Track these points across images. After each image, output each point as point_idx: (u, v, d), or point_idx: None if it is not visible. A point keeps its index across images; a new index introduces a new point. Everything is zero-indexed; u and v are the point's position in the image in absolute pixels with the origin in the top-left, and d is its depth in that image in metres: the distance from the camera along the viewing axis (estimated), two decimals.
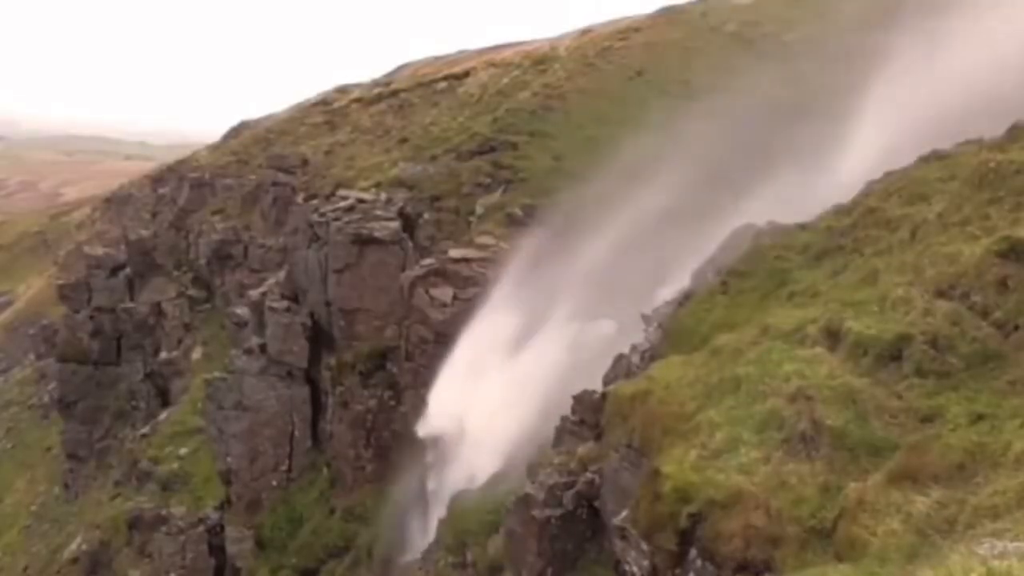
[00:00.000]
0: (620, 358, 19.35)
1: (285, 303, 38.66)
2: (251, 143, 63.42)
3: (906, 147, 18.50)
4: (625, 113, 39.64)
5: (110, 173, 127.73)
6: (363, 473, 34.31)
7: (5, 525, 52.93)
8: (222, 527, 38.30)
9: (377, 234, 35.17)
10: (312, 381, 38.30)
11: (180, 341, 53.35)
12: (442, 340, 30.18)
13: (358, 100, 60.38)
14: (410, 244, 35.61)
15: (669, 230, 24.15)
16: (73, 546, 44.27)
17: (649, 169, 27.57)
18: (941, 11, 22.94)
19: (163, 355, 52.89)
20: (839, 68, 29.65)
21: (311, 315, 37.78)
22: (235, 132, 74.69)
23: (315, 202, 41.18)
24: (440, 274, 31.52)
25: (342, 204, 37.36)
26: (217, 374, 39.40)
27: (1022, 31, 20.35)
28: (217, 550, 38.14)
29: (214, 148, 72.50)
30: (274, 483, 37.80)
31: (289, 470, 38.00)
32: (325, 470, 36.95)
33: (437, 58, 70.85)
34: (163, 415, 48.88)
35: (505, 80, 49.83)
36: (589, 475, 15.68)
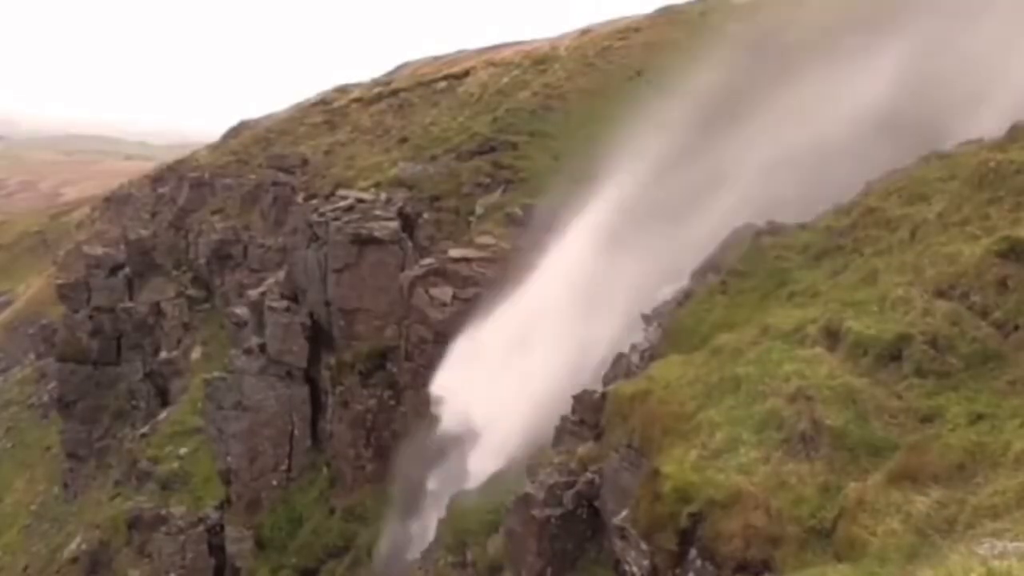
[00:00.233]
0: (620, 358, 19.37)
1: (285, 303, 38.65)
2: (251, 143, 63.39)
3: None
4: (626, 113, 39.62)
5: (110, 173, 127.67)
6: (363, 473, 34.32)
7: (5, 525, 52.94)
8: (222, 527, 38.29)
9: (377, 234, 35.17)
10: (312, 381, 38.30)
11: (179, 341, 53.36)
12: (442, 340, 30.18)
13: (358, 100, 60.36)
14: (410, 244, 35.61)
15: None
16: (73, 546, 44.27)
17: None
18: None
19: (162, 355, 52.89)
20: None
21: (311, 315, 37.78)
22: (235, 132, 74.63)
23: (315, 202, 41.17)
24: (440, 274, 31.51)
25: (342, 204, 37.35)
26: (217, 374, 39.38)
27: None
28: (217, 550, 38.14)
29: (214, 148, 72.47)
30: (274, 483, 37.79)
31: (289, 470, 37.99)
32: (325, 470, 36.95)
33: (437, 58, 70.76)
34: (163, 415, 48.88)
35: (505, 80, 49.83)
36: (589, 475, 15.68)
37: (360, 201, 37.39)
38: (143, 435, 47.51)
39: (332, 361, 36.57)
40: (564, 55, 50.43)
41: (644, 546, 12.10)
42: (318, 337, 37.83)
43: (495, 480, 23.28)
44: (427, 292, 31.17)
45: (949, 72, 19.09)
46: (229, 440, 37.73)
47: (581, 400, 18.08)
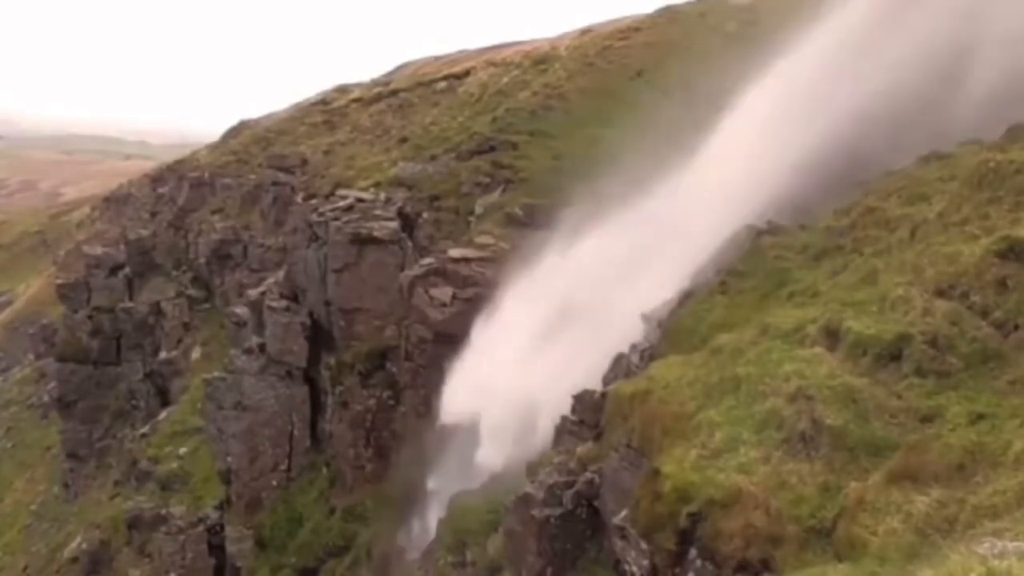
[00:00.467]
0: (620, 358, 19.37)
1: (284, 303, 38.64)
2: (251, 143, 63.40)
3: None
4: (625, 113, 39.61)
5: (110, 173, 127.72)
6: (363, 473, 34.31)
7: (5, 525, 52.93)
8: (222, 527, 38.30)
9: (376, 234, 35.16)
10: (311, 381, 38.29)
11: (179, 341, 53.36)
12: (441, 340, 30.17)
13: (358, 100, 60.39)
14: (409, 244, 35.59)
15: None
16: (73, 545, 44.28)
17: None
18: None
19: (162, 355, 52.90)
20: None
21: (310, 315, 37.77)
22: (235, 132, 74.64)
23: (314, 202, 41.16)
24: (439, 274, 31.47)
25: (341, 204, 37.34)
26: (216, 374, 39.37)
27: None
28: (217, 550, 38.15)
29: (214, 148, 72.50)
30: (274, 483, 37.79)
31: (289, 470, 37.99)
32: (325, 470, 36.94)
33: (437, 58, 70.75)
34: (163, 415, 48.88)
35: (505, 80, 49.82)
36: (589, 475, 15.67)
37: (360, 201, 37.38)
38: (143, 435, 47.53)
39: (332, 361, 36.55)
40: (564, 55, 50.42)
41: (644, 546, 12.10)
42: (318, 337, 37.81)
43: (495, 480, 23.29)
44: (427, 292, 31.13)
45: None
46: (229, 440, 37.73)
47: (581, 400, 18.08)
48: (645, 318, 20.02)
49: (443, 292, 31.01)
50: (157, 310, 54.81)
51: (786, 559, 9.94)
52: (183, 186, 63.44)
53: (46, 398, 61.02)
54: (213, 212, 57.17)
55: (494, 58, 56.82)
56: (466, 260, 31.85)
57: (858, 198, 17.35)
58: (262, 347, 38.38)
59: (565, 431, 18.52)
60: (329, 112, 60.80)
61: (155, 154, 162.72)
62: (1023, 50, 16.23)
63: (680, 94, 33.10)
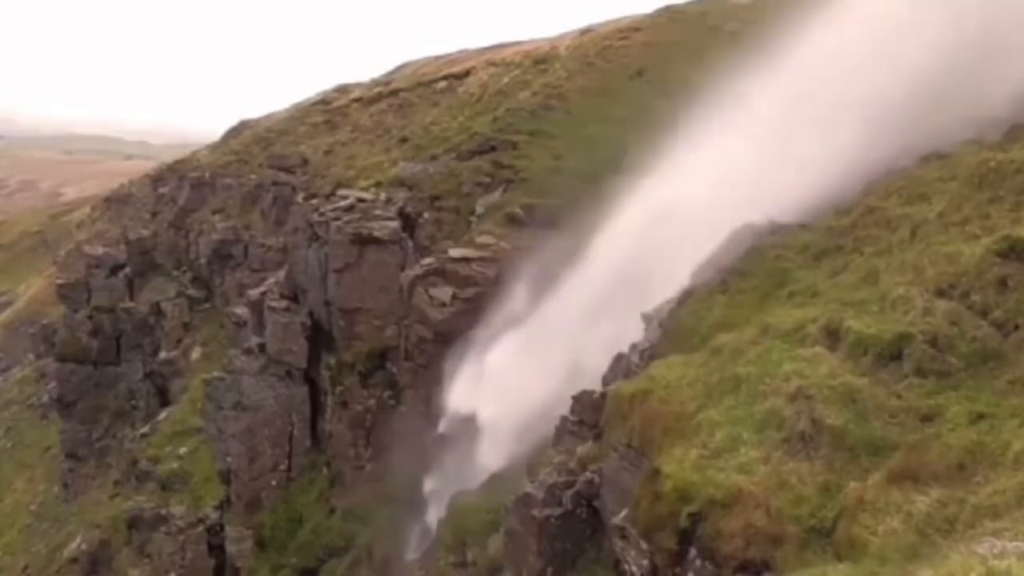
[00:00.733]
0: (619, 357, 19.33)
1: (285, 303, 38.65)
2: (251, 143, 63.43)
3: None
4: (625, 112, 39.61)
5: (110, 173, 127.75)
6: (363, 473, 34.30)
7: (5, 525, 52.92)
8: (222, 527, 38.31)
9: (377, 234, 35.15)
10: (311, 381, 38.29)
11: (179, 341, 53.37)
12: (441, 340, 30.16)
13: (358, 100, 60.40)
14: (410, 244, 35.58)
15: None
16: (73, 545, 44.27)
17: None
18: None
19: (162, 355, 52.90)
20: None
21: (311, 315, 37.77)
22: (235, 132, 74.72)
23: (315, 201, 41.17)
24: (440, 274, 31.46)
25: (342, 204, 37.34)
26: (216, 374, 39.39)
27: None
28: (217, 550, 38.16)
29: (214, 148, 72.56)
30: (274, 483, 37.79)
31: (289, 470, 37.99)
32: (325, 470, 36.94)
33: (437, 58, 70.78)
34: (162, 415, 48.89)
35: (505, 79, 49.83)
36: (589, 475, 15.65)
37: (360, 201, 37.39)
38: (143, 435, 47.52)
39: (332, 361, 36.55)
40: (564, 55, 50.44)
41: (644, 546, 12.08)
42: (318, 337, 37.82)
43: (495, 480, 23.29)
44: (427, 292, 31.13)
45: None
46: (229, 440, 37.73)
47: (581, 400, 18.07)
48: (645, 318, 20.00)
49: (443, 292, 31.00)
50: (157, 310, 54.82)
51: (786, 559, 9.93)
52: (184, 186, 63.44)
53: (46, 398, 61.00)
54: (214, 212, 57.18)
55: (494, 58, 56.84)
56: (466, 260, 31.83)
57: (858, 198, 17.34)
58: (262, 347, 38.39)
59: (565, 431, 18.51)
60: (329, 112, 60.81)
61: (156, 154, 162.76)
62: None
63: (680, 94, 33.07)
